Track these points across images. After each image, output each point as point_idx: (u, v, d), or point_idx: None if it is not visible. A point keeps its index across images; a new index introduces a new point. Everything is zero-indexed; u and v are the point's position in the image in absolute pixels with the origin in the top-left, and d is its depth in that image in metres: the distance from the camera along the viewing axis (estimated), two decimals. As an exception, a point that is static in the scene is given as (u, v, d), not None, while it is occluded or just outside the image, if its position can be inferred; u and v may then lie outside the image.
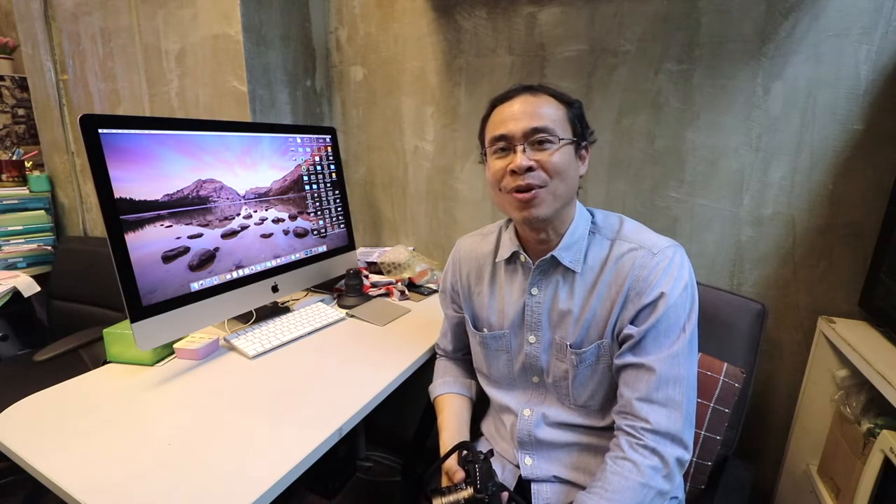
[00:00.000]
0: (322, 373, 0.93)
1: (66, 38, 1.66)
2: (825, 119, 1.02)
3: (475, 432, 0.94)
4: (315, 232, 1.27)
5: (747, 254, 1.14)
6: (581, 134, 0.74)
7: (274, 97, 1.40)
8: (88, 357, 1.40)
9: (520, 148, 0.70)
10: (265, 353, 1.00)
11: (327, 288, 1.36)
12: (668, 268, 0.69)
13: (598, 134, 1.21)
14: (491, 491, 0.66)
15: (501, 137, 0.72)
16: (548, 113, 0.70)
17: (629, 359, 0.70)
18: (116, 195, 0.84)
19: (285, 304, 1.25)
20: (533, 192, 0.70)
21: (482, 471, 0.67)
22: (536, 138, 0.69)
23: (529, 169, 0.69)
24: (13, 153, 1.86)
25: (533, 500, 0.78)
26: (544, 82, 1.25)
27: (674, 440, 0.66)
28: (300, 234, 1.22)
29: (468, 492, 0.66)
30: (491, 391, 0.89)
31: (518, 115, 0.70)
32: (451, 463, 0.75)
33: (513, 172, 0.70)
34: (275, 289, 1.14)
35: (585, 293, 0.75)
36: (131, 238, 0.85)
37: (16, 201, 1.78)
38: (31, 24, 1.70)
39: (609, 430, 0.74)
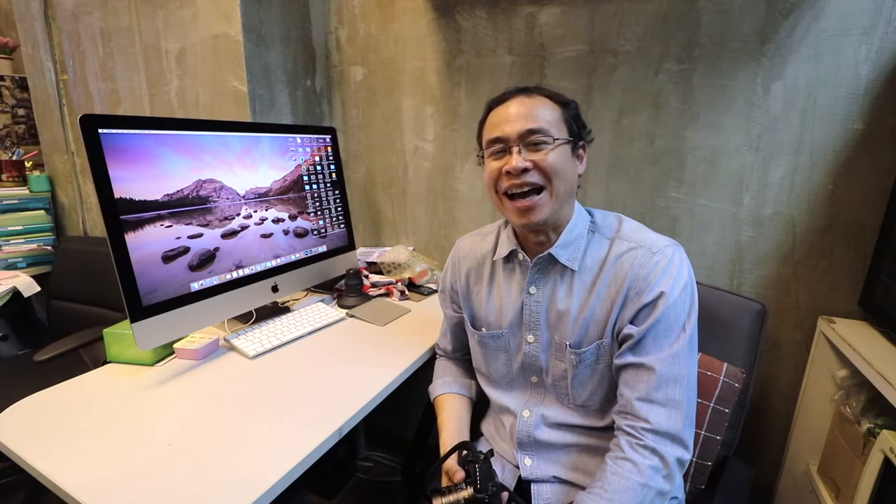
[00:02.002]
0: (322, 373, 0.93)
1: (66, 38, 1.66)
2: (825, 119, 1.02)
3: (475, 432, 0.94)
4: (315, 232, 1.27)
5: (747, 254, 1.14)
6: (577, 133, 0.74)
7: (274, 97, 1.40)
8: (88, 357, 1.40)
9: (515, 149, 0.70)
10: (265, 353, 1.00)
11: (327, 288, 1.36)
12: (668, 267, 0.69)
13: (598, 134, 1.23)
14: (491, 491, 0.66)
15: (497, 140, 0.72)
16: (543, 114, 0.70)
17: (629, 358, 0.70)
18: (116, 195, 0.84)
19: (285, 304, 1.25)
20: (531, 199, 0.71)
21: (482, 471, 0.67)
22: (531, 139, 0.70)
23: (525, 170, 0.69)
24: (13, 153, 1.86)
25: (533, 501, 0.78)
26: (544, 82, 1.26)
27: (674, 440, 0.66)
28: (300, 234, 1.22)
29: (468, 492, 0.66)
30: (490, 391, 0.89)
31: (513, 117, 0.71)
32: (451, 463, 0.75)
33: (508, 174, 0.70)
34: (275, 289, 1.14)
35: (584, 293, 0.75)
36: (131, 238, 0.85)
37: (16, 201, 1.77)
38: (31, 24, 1.70)
39: (608, 430, 0.74)
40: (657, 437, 0.66)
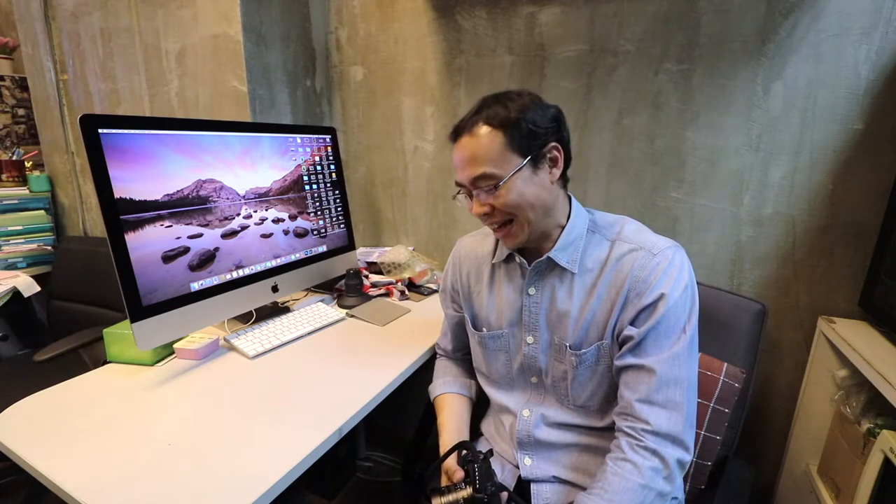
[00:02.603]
0: (322, 373, 0.93)
1: (66, 38, 1.66)
2: (825, 119, 1.02)
3: (475, 432, 0.94)
4: (315, 232, 1.27)
5: (747, 254, 1.14)
6: (537, 145, 0.69)
7: (274, 97, 1.40)
8: (88, 357, 1.40)
9: (474, 194, 0.72)
10: (265, 353, 1.00)
11: (327, 288, 1.36)
12: (668, 269, 0.69)
13: (598, 134, 1.23)
14: (490, 491, 0.66)
15: (459, 184, 0.75)
16: (484, 154, 0.69)
17: (629, 360, 0.69)
18: (116, 195, 0.84)
19: (285, 304, 1.25)
20: (504, 229, 0.74)
21: (481, 470, 0.67)
22: (481, 185, 0.71)
23: (487, 214, 0.72)
24: (13, 153, 1.86)
25: (532, 501, 0.78)
26: (544, 82, 1.26)
27: (674, 441, 0.66)
28: (300, 234, 1.22)
29: (467, 491, 0.66)
30: (490, 391, 0.89)
31: (461, 163, 0.72)
32: (451, 462, 0.75)
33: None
34: (275, 289, 1.14)
35: (584, 294, 0.75)
36: (131, 238, 0.85)
37: (16, 201, 1.77)
38: (31, 24, 1.70)
39: (608, 430, 0.74)
40: (657, 438, 0.65)
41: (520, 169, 0.69)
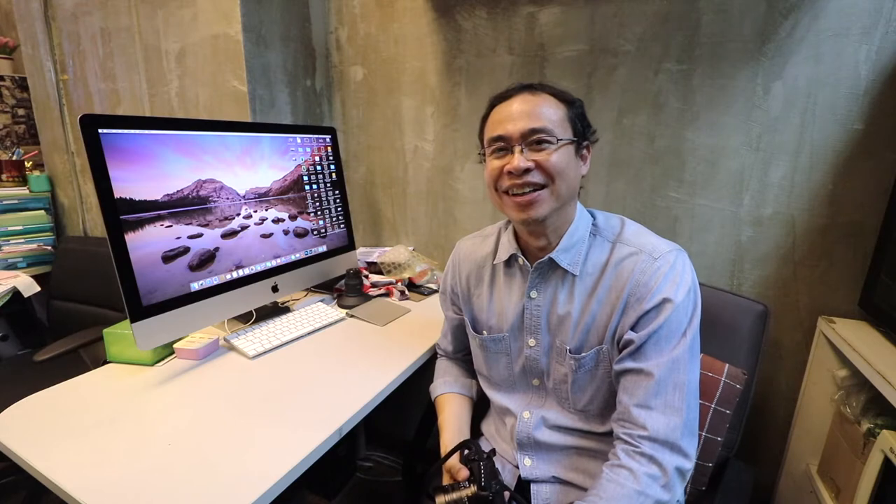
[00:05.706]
0: (322, 373, 0.93)
1: (66, 38, 1.66)
2: (825, 119, 1.02)
3: (476, 432, 0.93)
4: (315, 232, 1.27)
5: (747, 254, 1.14)
6: (582, 133, 0.72)
7: (274, 97, 1.40)
8: (88, 357, 1.39)
9: (517, 149, 0.69)
10: (265, 353, 1.00)
11: (327, 288, 1.36)
12: (670, 273, 0.68)
13: (598, 134, 1.22)
14: (495, 489, 0.65)
15: (499, 138, 0.71)
16: (546, 113, 0.69)
17: (628, 364, 0.68)
18: (116, 195, 0.84)
19: (285, 304, 1.25)
20: (531, 194, 0.69)
21: (486, 469, 0.67)
22: (534, 139, 0.68)
23: (527, 170, 0.68)
24: (13, 153, 1.86)
25: (532, 501, 0.78)
26: (544, 82, 1.26)
27: (672, 448, 0.63)
28: (300, 234, 1.22)
29: (471, 489, 0.66)
30: (491, 393, 0.89)
31: (516, 115, 0.69)
32: (454, 461, 0.75)
33: (510, 173, 0.69)
34: (275, 289, 1.14)
35: (585, 297, 0.74)
36: (131, 238, 0.85)
37: (16, 201, 1.78)
38: (31, 24, 1.70)
39: (609, 435, 0.73)
40: (654, 444, 0.64)
41: (571, 141, 0.70)
